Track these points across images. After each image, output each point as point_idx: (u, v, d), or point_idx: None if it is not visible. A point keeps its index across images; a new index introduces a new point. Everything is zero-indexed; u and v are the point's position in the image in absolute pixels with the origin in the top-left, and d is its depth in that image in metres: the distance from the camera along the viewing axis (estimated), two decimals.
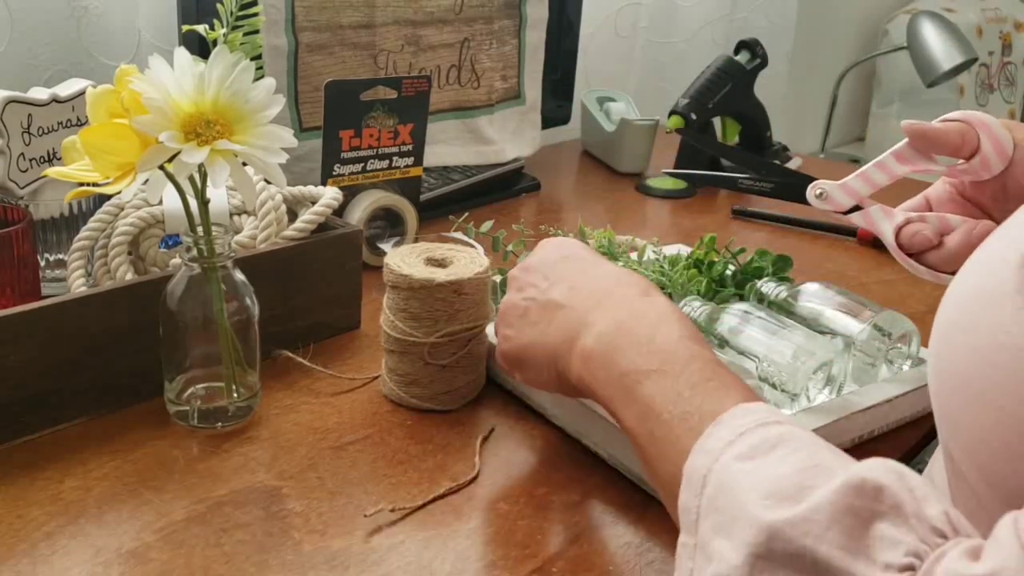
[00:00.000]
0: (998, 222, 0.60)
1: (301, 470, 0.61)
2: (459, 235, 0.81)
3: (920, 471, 0.89)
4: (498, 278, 0.80)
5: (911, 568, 0.33)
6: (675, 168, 1.29)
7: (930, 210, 0.66)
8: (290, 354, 0.73)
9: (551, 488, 0.61)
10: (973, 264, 0.43)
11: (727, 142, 1.33)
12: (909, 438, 0.69)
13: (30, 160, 0.77)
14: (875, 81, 2.34)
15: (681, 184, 1.24)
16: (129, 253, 0.73)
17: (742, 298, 0.78)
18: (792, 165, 1.37)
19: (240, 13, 0.83)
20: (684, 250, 0.89)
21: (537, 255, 0.62)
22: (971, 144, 0.60)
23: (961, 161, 0.61)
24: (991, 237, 0.44)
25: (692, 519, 0.41)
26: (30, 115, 0.76)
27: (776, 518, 0.36)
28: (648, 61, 1.69)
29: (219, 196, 0.76)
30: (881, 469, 0.37)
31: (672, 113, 1.23)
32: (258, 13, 0.84)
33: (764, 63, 1.28)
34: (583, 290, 0.56)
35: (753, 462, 0.40)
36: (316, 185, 0.82)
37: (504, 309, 0.60)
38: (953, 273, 0.47)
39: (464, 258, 0.69)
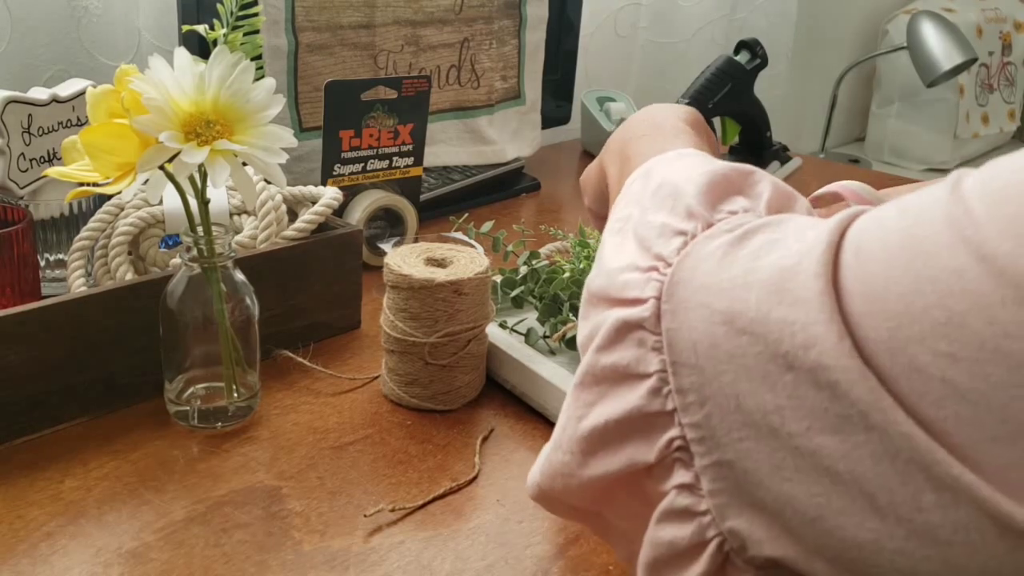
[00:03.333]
0: None
1: (301, 470, 0.61)
2: (459, 235, 0.81)
3: None
4: (498, 278, 0.80)
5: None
6: None
7: None
8: (290, 354, 0.73)
9: None
10: None
11: (727, 143, 1.33)
12: None
13: (30, 160, 0.77)
14: (875, 81, 2.34)
15: None
16: (129, 253, 0.73)
17: None
18: (792, 165, 1.37)
19: (240, 13, 0.83)
20: None
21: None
22: None
23: None
24: None
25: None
26: (30, 115, 0.76)
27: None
28: (648, 61, 1.69)
29: (219, 196, 0.76)
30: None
31: None
32: (258, 13, 0.84)
33: (764, 63, 1.28)
34: (628, 127, 0.58)
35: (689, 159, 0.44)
36: (316, 185, 0.82)
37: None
38: None
39: (464, 258, 0.69)
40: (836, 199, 0.58)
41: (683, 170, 0.41)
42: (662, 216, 0.38)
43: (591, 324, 0.38)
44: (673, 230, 0.37)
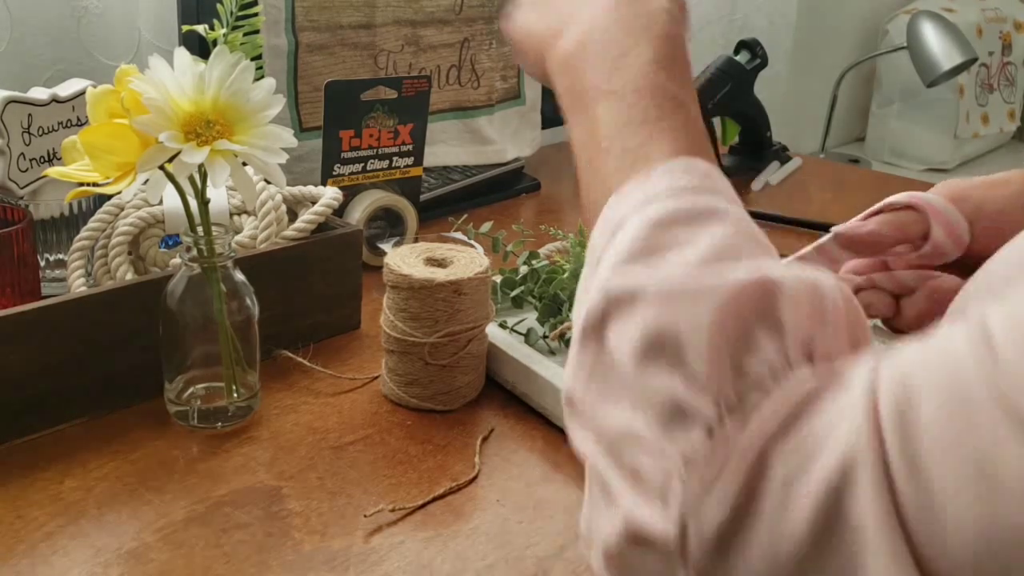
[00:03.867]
0: (960, 270, 0.55)
1: (301, 470, 0.61)
2: (459, 235, 0.81)
3: None
4: (498, 278, 0.80)
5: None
6: None
7: (885, 267, 0.60)
8: (290, 354, 0.73)
9: (551, 488, 0.61)
10: None
11: (727, 143, 1.33)
12: None
13: (30, 160, 0.77)
14: (875, 81, 2.33)
15: None
16: (129, 253, 0.73)
17: None
18: (792, 166, 1.37)
19: (240, 13, 0.83)
20: None
21: None
22: (917, 234, 0.55)
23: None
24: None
25: (595, 257, 0.38)
26: (30, 115, 0.76)
27: (664, 275, 0.34)
28: None
29: (219, 196, 0.76)
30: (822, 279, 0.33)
31: None
32: (258, 13, 0.84)
33: (764, 63, 1.28)
34: None
35: (670, 231, 0.36)
36: (316, 185, 0.82)
37: None
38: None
39: (464, 258, 0.69)
40: (908, 208, 0.55)
41: (680, 289, 0.33)
42: (663, 378, 0.32)
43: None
44: (687, 413, 0.31)
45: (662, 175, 0.38)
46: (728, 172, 1.45)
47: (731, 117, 1.31)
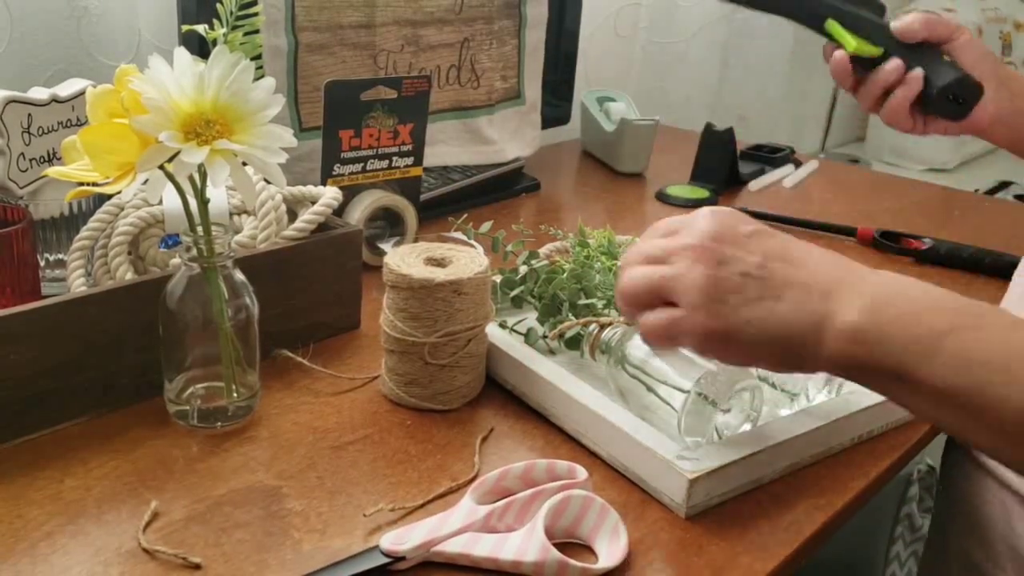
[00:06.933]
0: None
1: (301, 470, 0.61)
2: (459, 235, 0.81)
3: (920, 471, 0.89)
4: (498, 278, 0.80)
5: None
6: (692, 177, 1.28)
7: None
8: (290, 354, 0.73)
9: None
10: None
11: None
12: (909, 438, 0.69)
13: (30, 160, 0.77)
14: None
15: (703, 193, 1.22)
16: (129, 253, 0.73)
17: None
18: (808, 168, 1.37)
19: (240, 13, 0.83)
20: None
21: (714, 225, 0.54)
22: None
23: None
24: None
25: None
26: (30, 115, 0.76)
27: None
28: (648, 61, 1.69)
29: (219, 196, 0.76)
30: None
31: None
32: (258, 13, 0.84)
33: None
34: (803, 266, 0.53)
35: None
36: (316, 185, 0.82)
37: (709, 283, 0.52)
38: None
39: (464, 258, 0.69)
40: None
41: None
42: None
43: None
44: None
45: None
46: (741, 176, 1.43)
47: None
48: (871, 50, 0.78)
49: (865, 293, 0.51)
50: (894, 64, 0.78)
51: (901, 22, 0.78)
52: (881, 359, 0.49)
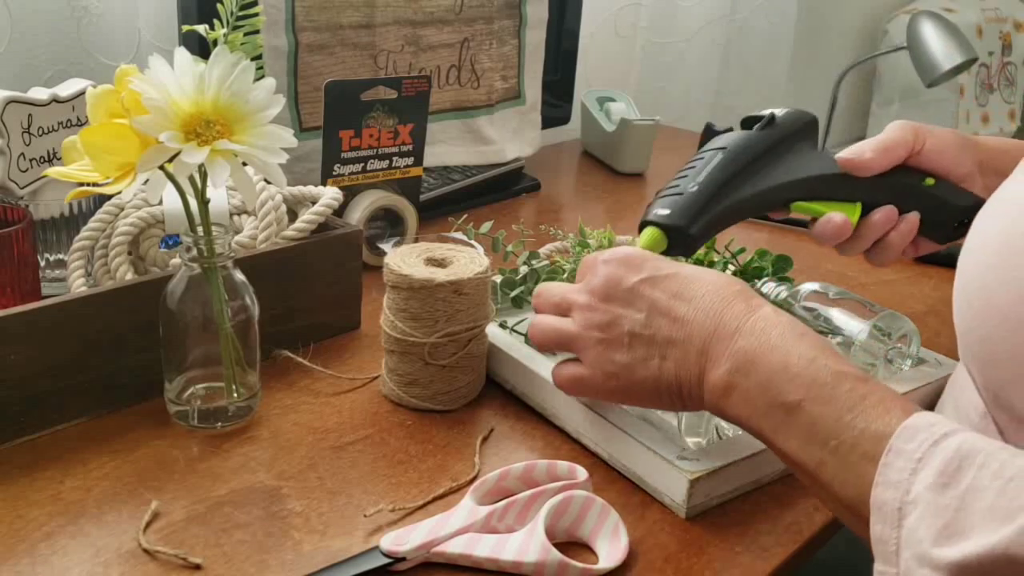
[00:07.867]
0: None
1: (301, 470, 0.61)
2: (459, 235, 0.81)
3: None
4: (498, 278, 0.80)
5: None
6: None
7: None
8: (290, 354, 0.73)
9: None
10: (1006, 207, 0.49)
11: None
12: None
13: (30, 160, 0.77)
14: (875, 81, 2.34)
15: None
16: (129, 253, 0.73)
17: None
18: None
19: (240, 13, 0.83)
20: None
21: (603, 281, 0.58)
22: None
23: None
24: (1011, 183, 0.50)
25: (891, 550, 0.42)
26: (30, 115, 0.76)
27: (999, 539, 0.38)
28: (648, 61, 1.69)
29: (219, 196, 0.76)
30: None
31: None
32: (258, 13, 0.84)
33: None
34: (687, 320, 0.55)
35: (947, 493, 0.41)
36: (316, 185, 0.82)
37: (601, 348, 0.58)
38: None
39: (464, 258, 0.69)
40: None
41: None
42: None
43: None
44: None
45: (900, 449, 0.44)
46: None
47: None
48: (849, 210, 0.68)
49: (732, 354, 0.53)
50: (884, 214, 0.67)
51: (851, 159, 0.67)
52: (747, 419, 0.53)
